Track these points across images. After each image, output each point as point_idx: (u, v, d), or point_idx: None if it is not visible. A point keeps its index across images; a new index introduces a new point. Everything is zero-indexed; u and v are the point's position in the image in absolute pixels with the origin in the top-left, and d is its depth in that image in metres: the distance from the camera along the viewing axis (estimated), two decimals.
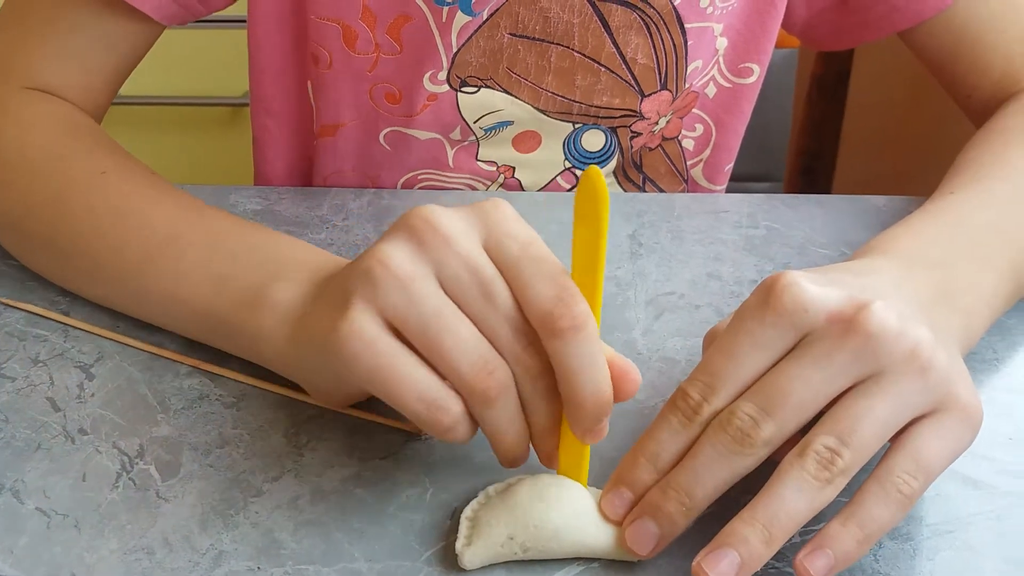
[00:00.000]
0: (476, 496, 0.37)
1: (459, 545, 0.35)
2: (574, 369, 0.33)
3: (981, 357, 0.45)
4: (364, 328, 0.33)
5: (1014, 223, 0.45)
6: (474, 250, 0.34)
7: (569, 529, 0.35)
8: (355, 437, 0.40)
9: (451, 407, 0.34)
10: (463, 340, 0.33)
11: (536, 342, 0.34)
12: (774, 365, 0.34)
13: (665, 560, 0.35)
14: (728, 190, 0.67)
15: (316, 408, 0.42)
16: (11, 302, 0.47)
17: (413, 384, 0.33)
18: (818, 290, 0.34)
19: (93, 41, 0.53)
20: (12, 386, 0.43)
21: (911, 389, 0.33)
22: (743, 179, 0.80)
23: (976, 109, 0.57)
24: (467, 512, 0.36)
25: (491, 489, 0.37)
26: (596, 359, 0.34)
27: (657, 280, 0.50)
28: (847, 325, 0.33)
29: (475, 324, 0.34)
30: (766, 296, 0.34)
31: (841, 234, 0.54)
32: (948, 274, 0.40)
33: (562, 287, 0.33)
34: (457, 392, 0.34)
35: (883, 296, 0.34)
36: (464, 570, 0.35)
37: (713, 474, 0.33)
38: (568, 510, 0.35)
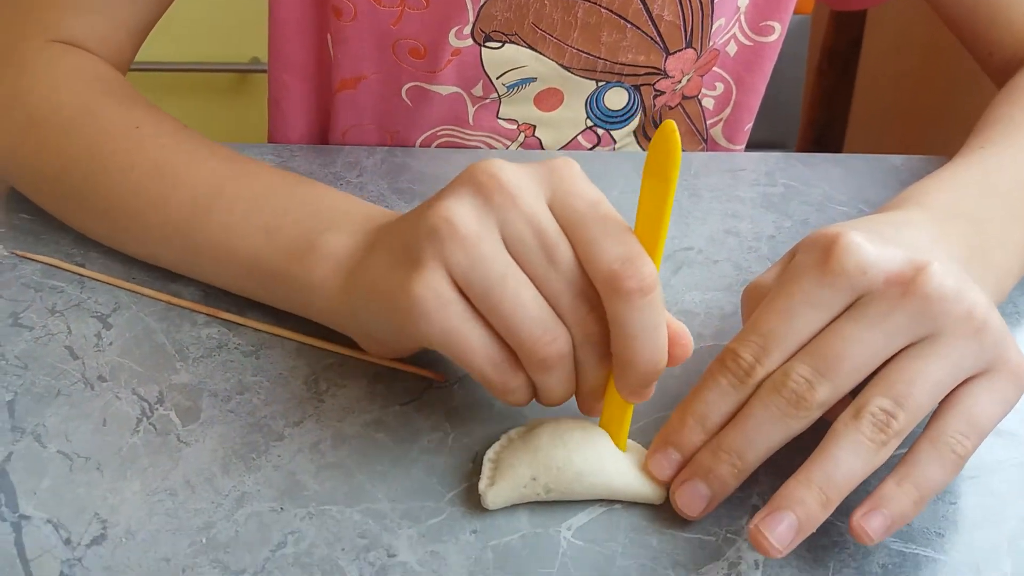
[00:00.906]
0: (497, 440, 0.37)
1: (482, 486, 0.35)
2: (633, 334, 0.32)
3: (1002, 311, 0.45)
4: (439, 290, 0.33)
5: None
6: (539, 208, 0.33)
7: (592, 471, 0.35)
8: (375, 384, 0.40)
9: (517, 372, 0.34)
10: (524, 307, 0.33)
11: (598, 306, 0.33)
12: (827, 326, 0.33)
13: None
14: None
15: (335, 356, 0.42)
16: (26, 254, 0.47)
17: (484, 348, 0.33)
18: (877, 251, 0.33)
19: None
20: (30, 335, 0.43)
21: (966, 351, 0.33)
22: (754, 148, 0.79)
23: (997, 67, 0.57)
24: (489, 454, 0.36)
25: (512, 432, 0.37)
26: (659, 325, 0.33)
27: (674, 236, 0.50)
28: (906, 287, 0.33)
29: (537, 286, 0.33)
30: (824, 255, 0.34)
31: (859, 192, 0.54)
32: (980, 228, 0.40)
33: (629, 247, 0.32)
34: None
35: (923, 251, 0.34)
36: (487, 510, 0.35)
37: (765, 436, 0.33)
38: (590, 453, 0.35)
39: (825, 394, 0.33)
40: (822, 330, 0.33)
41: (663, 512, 0.35)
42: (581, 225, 0.33)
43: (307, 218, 0.41)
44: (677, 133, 0.31)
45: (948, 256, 0.36)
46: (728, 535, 0.35)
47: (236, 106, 1.24)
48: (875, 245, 0.34)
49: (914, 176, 0.47)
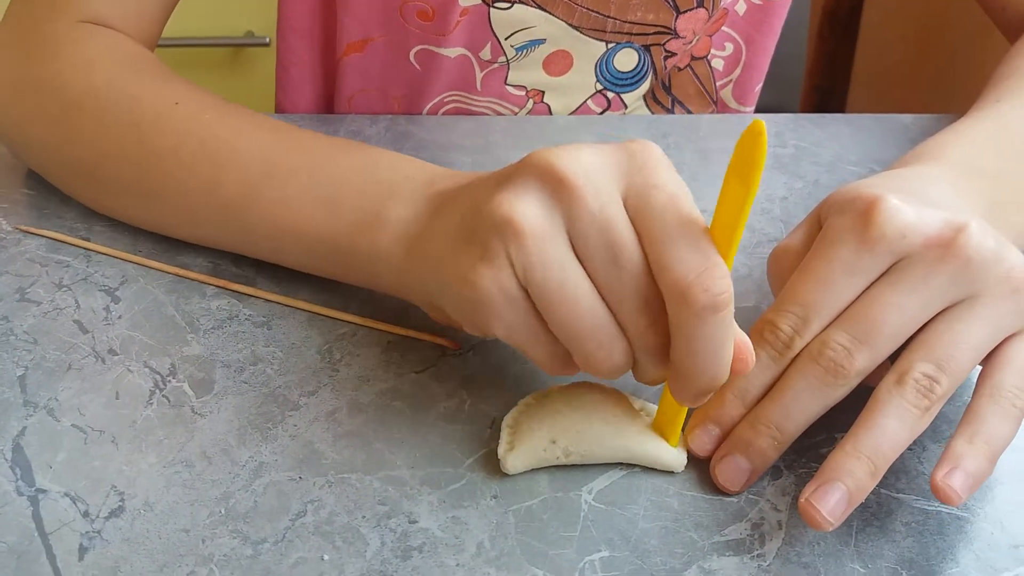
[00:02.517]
0: (515, 406, 0.36)
1: (501, 451, 0.35)
2: (698, 350, 0.31)
3: None
4: (505, 287, 0.32)
5: None
6: (609, 205, 0.31)
7: (611, 435, 0.34)
8: (389, 353, 0.40)
9: (575, 367, 0.33)
10: (580, 319, 0.31)
11: (661, 317, 0.31)
12: (865, 291, 0.33)
13: (705, 466, 0.35)
14: None
15: (348, 325, 0.41)
16: (31, 229, 0.46)
17: (545, 347, 0.33)
18: (915, 214, 0.33)
19: None
20: (38, 310, 0.42)
21: (1006, 311, 0.32)
22: (757, 112, 0.79)
23: (1012, 22, 0.56)
24: (507, 420, 0.36)
25: (530, 398, 0.37)
26: (725, 342, 0.31)
27: None
28: (945, 249, 0.32)
29: (600, 290, 0.31)
30: (862, 221, 0.33)
31: (870, 152, 0.53)
32: (998, 184, 0.39)
33: (707, 256, 0.30)
34: None
35: (957, 210, 0.33)
36: (507, 475, 0.35)
37: (804, 407, 0.33)
38: (610, 416, 0.35)
39: (864, 362, 0.32)
40: (860, 296, 0.33)
41: (683, 474, 0.35)
42: (658, 221, 0.30)
43: (368, 187, 0.39)
44: (765, 135, 0.29)
45: (969, 213, 0.35)
46: (750, 496, 0.35)
47: (231, 81, 1.23)
48: (913, 207, 0.33)
49: (924, 134, 0.46)
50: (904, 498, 0.35)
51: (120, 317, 0.42)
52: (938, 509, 0.34)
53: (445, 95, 0.59)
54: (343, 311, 0.42)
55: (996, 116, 0.44)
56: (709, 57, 0.60)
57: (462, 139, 0.54)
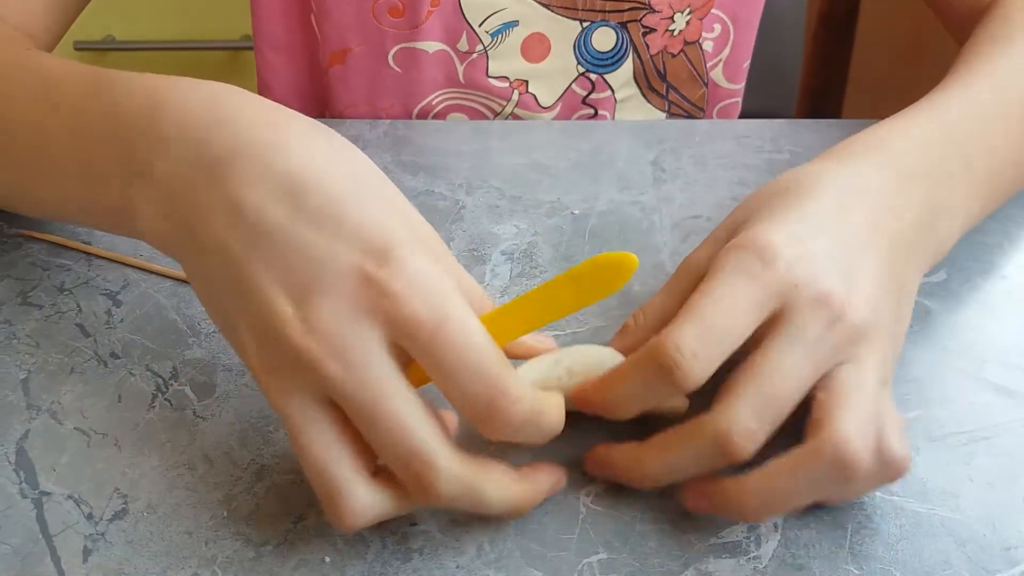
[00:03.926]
0: None
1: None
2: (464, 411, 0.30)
3: (992, 283, 0.45)
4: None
5: (997, 134, 0.43)
6: (366, 374, 0.29)
7: (614, 361, 0.35)
8: None
9: None
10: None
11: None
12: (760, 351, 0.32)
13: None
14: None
15: None
16: (32, 233, 0.47)
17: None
18: (809, 269, 0.33)
19: None
20: (40, 313, 0.42)
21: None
22: (752, 117, 0.79)
23: (956, 20, 0.56)
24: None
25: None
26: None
27: (682, 204, 0.50)
28: (833, 314, 0.32)
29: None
30: (758, 264, 0.33)
31: None
32: (933, 189, 0.39)
33: (493, 384, 0.29)
34: None
35: (858, 254, 0.34)
36: None
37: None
38: (613, 352, 0.36)
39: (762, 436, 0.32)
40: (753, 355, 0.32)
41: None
42: (432, 359, 0.30)
43: (110, 147, 0.34)
44: (632, 270, 0.30)
45: (894, 239, 0.36)
46: None
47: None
48: (806, 260, 0.33)
49: None
50: (898, 500, 0.35)
51: (122, 321, 0.42)
52: (932, 511, 0.35)
53: (432, 97, 0.60)
54: None
55: (937, 113, 0.42)
56: (700, 40, 0.61)
57: (460, 144, 0.55)
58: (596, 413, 0.35)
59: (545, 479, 0.34)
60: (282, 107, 0.34)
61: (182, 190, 0.32)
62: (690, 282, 0.36)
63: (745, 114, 0.66)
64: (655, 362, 0.32)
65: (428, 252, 0.31)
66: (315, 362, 0.29)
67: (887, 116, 0.43)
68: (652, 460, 0.34)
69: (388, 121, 0.57)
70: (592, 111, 0.62)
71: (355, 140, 0.55)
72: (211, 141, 0.32)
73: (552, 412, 0.32)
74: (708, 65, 0.62)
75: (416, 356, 0.30)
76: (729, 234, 0.36)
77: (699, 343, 0.31)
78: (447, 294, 0.30)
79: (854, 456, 0.31)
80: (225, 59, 1.24)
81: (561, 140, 0.55)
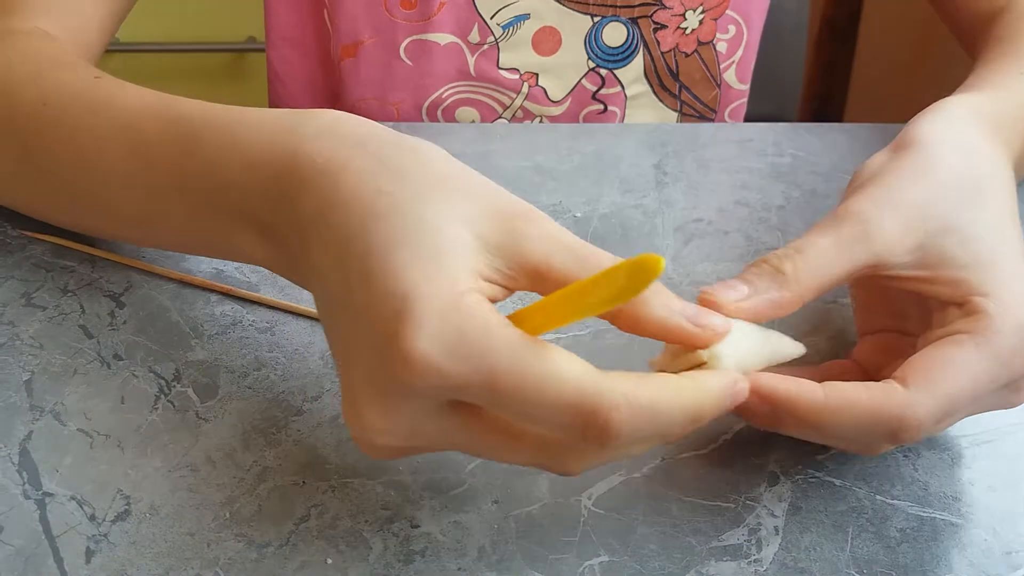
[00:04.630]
0: None
1: None
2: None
3: None
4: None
5: None
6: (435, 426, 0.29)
7: (797, 352, 0.34)
8: None
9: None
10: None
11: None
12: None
13: (703, 469, 0.36)
14: None
15: None
16: (35, 234, 0.47)
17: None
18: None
19: None
20: (43, 315, 0.43)
21: None
22: (756, 120, 0.79)
23: (963, 24, 0.56)
24: None
25: None
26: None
27: (684, 208, 0.50)
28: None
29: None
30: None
31: None
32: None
33: (574, 404, 0.27)
34: None
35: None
36: (507, 481, 0.35)
37: None
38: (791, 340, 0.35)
39: None
40: None
41: (681, 480, 0.36)
42: (498, 408, 0.28)
43: (208, 206, 0.35)
44: (659, 270, 0.26)
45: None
46: (747, 502, 0.35)
47: (232, 87, 1.23)
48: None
49: None
50: (899, 504, 0.35)
51: (125, 322, 0.42)
52: (933, 515, 0.35)
53: (443, 90, 0.60)
54: None
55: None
56: (715, 41, 0.61)
57: (463, 146, 0.55)
58: (769, 421, 0.33)
59: (717, 381, 0.30)
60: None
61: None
62: (849, 227, 0.33)
63: (748, 118, 0.66)
64: (889, 427, 0.31)
65: (451, 292, 0.28)
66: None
67: (889, 121, 0.43)
68: (830, 421, 0.31)
69: (392, 124, 0.57)
70: (602, 107, 0.63)
71: None
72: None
73: (685, 396, 0.28)
74: (722, 67, 0.63)
75: (491, 411, 0.29)
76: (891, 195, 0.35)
77: (939, 427, 0.33)
78: (479, 343, 0.27)
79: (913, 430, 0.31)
80: (230, 61, 1.24)
81: (563, 143, 0.56)
